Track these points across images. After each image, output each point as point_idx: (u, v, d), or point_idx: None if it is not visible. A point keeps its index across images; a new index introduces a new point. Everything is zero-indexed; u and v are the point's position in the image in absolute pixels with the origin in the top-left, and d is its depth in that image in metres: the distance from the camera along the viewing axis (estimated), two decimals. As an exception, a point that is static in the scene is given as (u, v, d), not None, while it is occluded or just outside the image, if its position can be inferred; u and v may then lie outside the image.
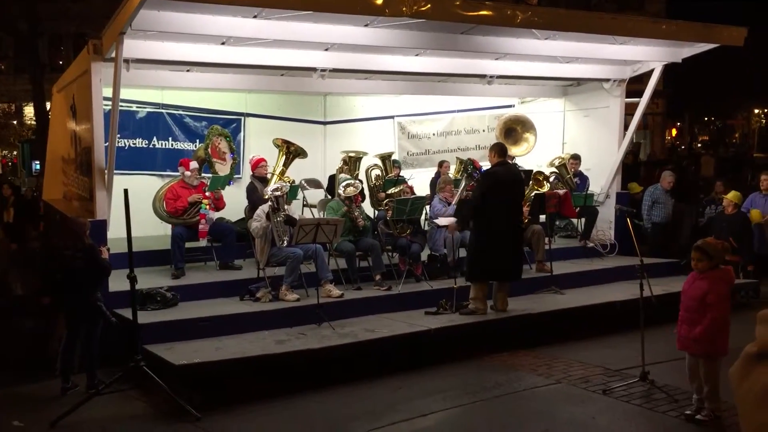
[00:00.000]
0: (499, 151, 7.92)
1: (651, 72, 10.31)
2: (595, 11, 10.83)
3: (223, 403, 5.93)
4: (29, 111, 27.47)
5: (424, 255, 9.07)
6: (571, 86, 11.66)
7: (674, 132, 37.50)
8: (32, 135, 26.64)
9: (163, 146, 10.92)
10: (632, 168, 14.11)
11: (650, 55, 9.95)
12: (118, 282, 6.95)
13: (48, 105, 17.62)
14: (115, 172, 7.77)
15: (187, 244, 8.68)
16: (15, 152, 32.15)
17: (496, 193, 7.64)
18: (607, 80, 10.81)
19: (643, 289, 6.22)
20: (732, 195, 9.98)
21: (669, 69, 10.35)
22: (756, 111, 39.58)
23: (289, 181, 9.21)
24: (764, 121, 40.04)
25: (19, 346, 7.44)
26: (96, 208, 7.66)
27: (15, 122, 29.13)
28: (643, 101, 10.57)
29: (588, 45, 9.20)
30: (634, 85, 11.20)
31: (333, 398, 6.19)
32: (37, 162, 22.98)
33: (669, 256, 10.32)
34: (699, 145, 34.63)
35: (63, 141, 9.64)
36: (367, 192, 10.34)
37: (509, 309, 7.91)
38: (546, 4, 23.35)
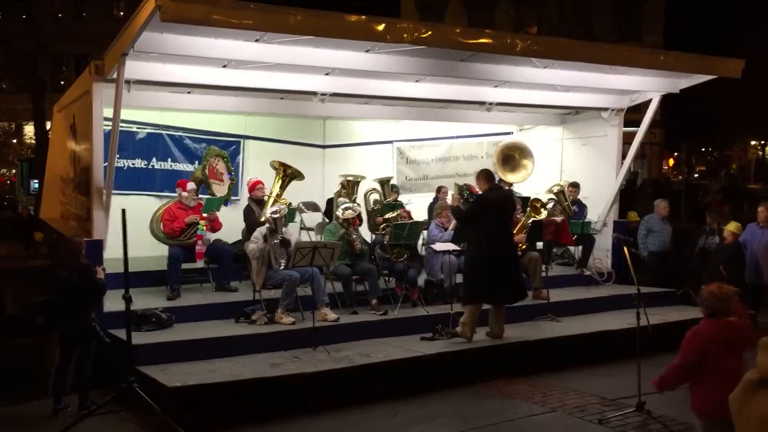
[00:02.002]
0: (486, 177, 7.94)
1: (649, 102, 10.38)
2: (595, 41, 10.93)
3: (216, 426, 5.88)
4: (29, 130, 27.55)
5: (421, 280, 9.05)
6: (569, 114, 11.72)
7: (671, 162, 37.68)
8: (31, 154, 26.68)
9: (162, 167, 10.95)
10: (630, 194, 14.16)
11: (648, 86, 10.03)
12: (113, 302, 6.93)
13: (48, 124, 17.67)
14: (113, 192, 7.78)
15: (184, 266, 8.66)
16: (14, 171, 32.17)
17: (487, 217, 7.65)
18: (606, 109, 10.87)
19: (640, 319, 6.20)
20: (732, 226, 9.98)
21: (667, 99, 10.42)
22: (753, 142, 39.84)
23: (285, 204, 9.22)
24: (761, 152, 40.29)
25: (12, 364, 7.39)
26: (93, 228, 7.65)
27: (15, 141, 29.20)
28: (641, 131, 10.62)
29: (587, 74, 9.27)
30: (633, 115, 11.26)
31: (327, 423, 6.14)
32: (36, 181, 23.00)
33: (667, 285, 10.31)
34: (696, 175, 34.78)
35: (62, 160, 9.66)
36: (365, 216, 10.34)
37: (505, 336, 7.87)
38: (546, 33, 23.59)
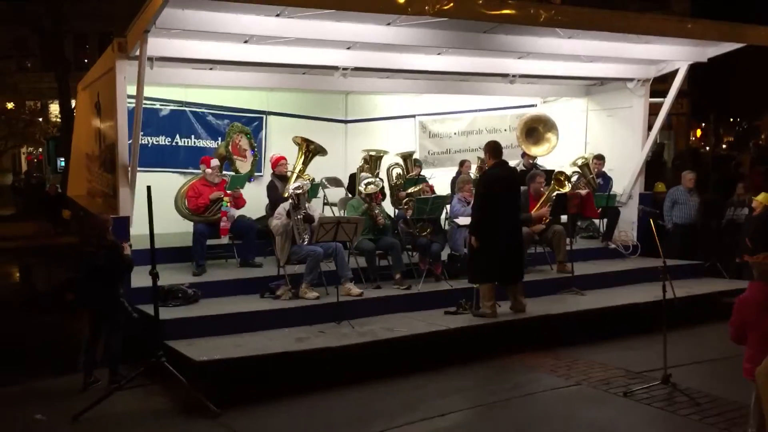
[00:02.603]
0: (492, 151, 7.83)
1: (676, 72, 10.19)
2: (618, 10, 10.74)
3: (242, 400, 5.96)
4: (54, 108, 27.79)
5: (444, 254, 9.04)
6: (594, 86, 11.57)
7: (699, 133, 37.07)
8: (57, 132, 26.95)
9: (186, 144, 11.01)
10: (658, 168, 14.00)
11: (675, 55, 9.84)
12: (140, 278, 7.02)
13: (73, 103, 17.82)
14: (138, 169, 7.84)
15: (209, 242, 8.73)
16: (41, 149, 32.55)
17: (492, 194, 7.59)
18: (631, 80, 10.71)
19: (666, 291, 6.15)
20: (762, 196, 9.83)
21: (694, 69, 10.23)
22: (783, 112, 39.05)
23: (309, 179, 9.24)
24: (791, 122, 39.47)
25: (43, 341, 7.54)
26: (119, 205, 7.74)
27: (41, 119, 29.52)
28: (668, 101, 10.45)
29: (612, 44, 9.12)
30: (659, 85, 11.07)
31: (352, 396, 6.20)
32: (62, 159, 23.26)
33: (693, 257, 10.20)
34: (724, 146, 34.22)
35: (87, 138, 9.75)
36: (387, 191, 10.34)
37: (529, 310, 7.86)
38: (568, 2, 23.19)
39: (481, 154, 11.54)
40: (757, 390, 4.53)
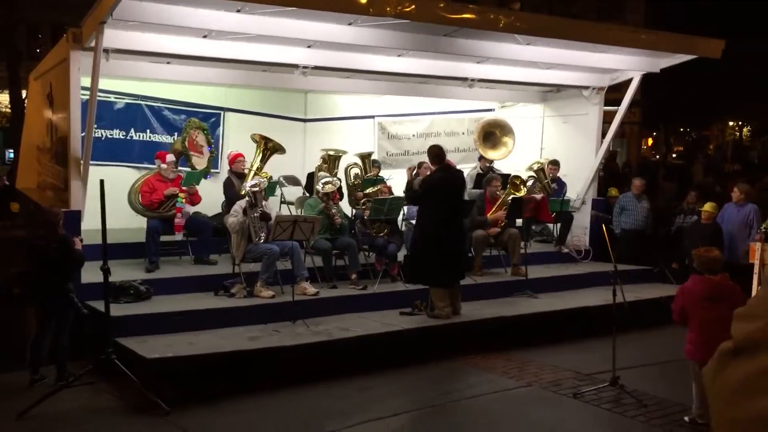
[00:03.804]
0: (435, 156, 7.89)
1: (629, 81, 10.42)
2: (575, 19, 10.95)
3: (194, 399, 5.89)
4: (4, 98, 27.04)
5: (401, 255, 9.07)
6: (550, 92, 11.75)
7: (650, 141, 37.92)
8: (6, 123, 26.21)
9: (141, 138, 10.82)
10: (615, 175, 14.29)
11: (629, 65, 10.06)
12: (91, 274, 6.89)
13: (24, 93, 17.37)
14: (91, 162, 7.69)
15: (163, 238, 8.61)
16: (-12, 140, 31.63)
17: (433, 199, 7.64)
18: (587, 87, 10.91)
19: (616, 295, 6.28)
20: (708, 205, 10.13)
21: (647, 79, 10.47)
22: (731, 123, 40.18)
23: (266, 177, 9.18)
24: (738, 133, 40.66)
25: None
26: (71, 199, 7.58)
27: (-11, 109, 28.70)
28: (621, 110, 10.68)
29: (568, 52, 9.28)
30: (613, 94, 11.31)
31: (306, 396, 6.18)
32: (11, 150, 22.63)
33: (641, 263, 10.44)
34: (674, 155, 35.06)
35: (39, 130, 9.52)
36: (345, 191, 10.33)
37: (483, 312, 7.93)
38: (527, 10, 23.52)
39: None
40: (697, 377, 5.27)
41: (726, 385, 0.90)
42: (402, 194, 9.70)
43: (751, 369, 0.88)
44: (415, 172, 10.99)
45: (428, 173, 10.06)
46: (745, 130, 39.95)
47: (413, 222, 8.80)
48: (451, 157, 11.65)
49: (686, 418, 5.64)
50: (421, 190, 7.82)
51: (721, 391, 0.90)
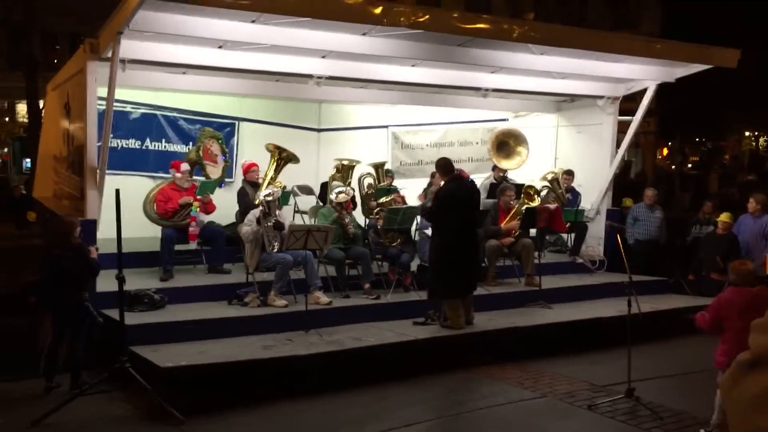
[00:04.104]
0: (443, 168, 7.88)
1: (644, 91, 10.38)
2: (590, 29, 10.92)
3: (207, 408, 5.90)
4: (22, 108, 27.32)
5: (414, 265, 9.07)
6: (564, 102, 11.72)
7: (665, 151, 37.73)
8: (24, 132, 26.50)
9: (156, 148, 10.91)
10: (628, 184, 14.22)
11: (644, 74, 10.02)
12: (106, 282, 6.92)
13: (41, 103, 17.55)
14: (106, 172, 7.75)
15: (177, 247, 8.65)
16: (6, 149, 31.97)
17: (449, 210, 7.62)
18: (601, 97, 10.88)
19: (631, 306, 6.23)
20: (725, 216, 10.05)
21: (662, 88, 10.43)
22: (747, 133, 39.92)
23: (280, 187, 9.21)
24: (754, 143, 40.38)
25: (4, 344, 7.38)
26: (86, 208, 7.64)
27: (7, 119, 28.98)
28: (636, 120, 10.63)
29: (583, 62, 9.26)
30: (628, 104, 11.27)
31: (318, 405, 6.17)
32: (28, 159, 22.86)
33: (653, 273, 10.36)
34: (690, 165, 34.85)
35: (55, 139, 9.61)
36: (358, 200, 10.34)
37: (497, 322, 7.90)
38: (541, 19, 23.52)
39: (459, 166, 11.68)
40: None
41: (744, 396, 0.89)
42: (414, 205, 9.73)
43: None
44: (428, 182, 11.01)
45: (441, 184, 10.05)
46: (761, 140, 39.64)
47: (427, 232, 8.79)
48: (464, 167, 11.65)
49: (702, 431, 5.58)
50: (434, 205, 7.80)
51: (740, 402, 0.90)
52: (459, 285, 7.65)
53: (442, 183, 7.99)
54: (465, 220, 7.70)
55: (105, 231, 7.43)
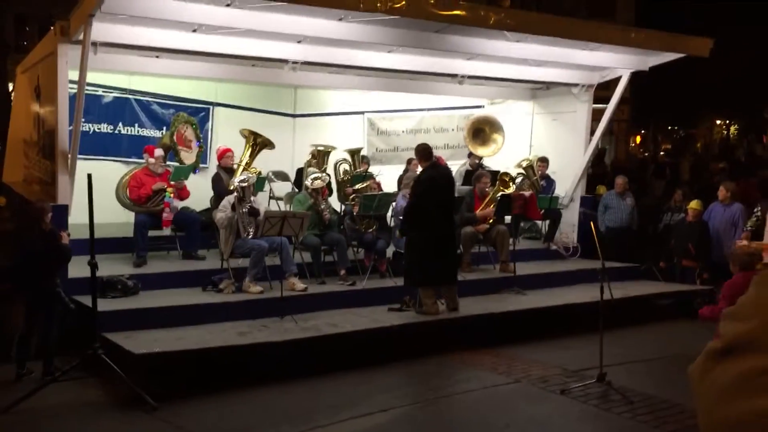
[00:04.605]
0: (424, 154, 7.91)
1: (618, 79, 10.46)
2: (566, 17, 10.96)
3: (181, 394, 5.88)
4: (-10, 91, 26.77)
5: (390, 251, 9.08)
6: (540, 90, 11.77)
7: (638, 139, 38.10)
8: (-7, 116, 25.93)
9: (129, 132, 10.77)
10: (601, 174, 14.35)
11: (618, 62, 10.10)
12: (78, 268, 6.84)
13: (11, 86, 17.22)
14: (78, 156, 7.64)
15: (151, 233, 8.57)
16: (-26, 133, 31.32)
17: (430, 196, 7.64)
18: (576, 85, 10.95)
19: (603, 292, 6.31)
20: (694, 203, 10.20)
21: (636, 77, 10.52)
22: (718, 122, 40.43)
23: (255, 173, 9.15)
24: (725, 131, 40.91)
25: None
26: (58, 193, 7.53)
27: (-25, 102, 28.41)
28: (610, 107, 10.72)
29: (558, 49, 9.31)
30: (602, 92, 11.35)
31: (294, 392, 6.18)
32: (-3, 144, 22.43)
33: (626, 260, 10.49)
34: (662, 153, 35.24)
35: (25, 123, 9.45)
36: (334, 186, 10.32)
37: (471, 308, 7.96)
38: (517, 7, 23.54)
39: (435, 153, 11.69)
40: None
41: (715, 385, 0.91)
42: (390, 191, 9.73)
43: (740, 369, 0.89)
44: (404, 169, 11.03)
45: (417, 171, 10.07)
46: (732, 128, 40.21)
47: (400, 218, 8.80)
48: (440, 154, 11.66)
49: None
50: (417, 192, 7.79)
51: (710, 391, 0.91)
52: (436, 272, 7.68)
53: (420, 169, 8.00)
54: (443, 207, 7.72)
55: (77, 216, 7.33)
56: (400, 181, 10.85)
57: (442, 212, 7.69)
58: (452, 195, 8.03)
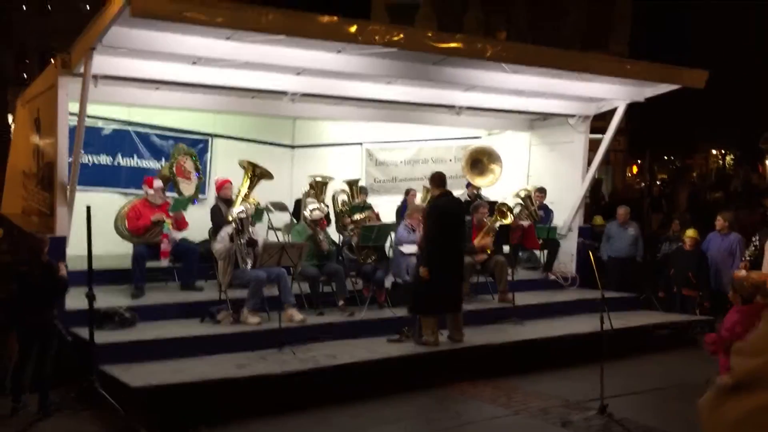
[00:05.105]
0: (438, 181, 7.94)
1: (615, 110, 10.54)
2: (561, 48, 11.08)
3: (179, 428, 5.81)
4: (-10, 123, 26.92)
5: (388, 282, 9.06)
6: (537, 120, 11.85)
7: (635, 169, 38.27)
8: (-8, 147, 26.04)
9: (128, 164, 10.81)
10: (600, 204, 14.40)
11: (615, 94, 10.19)
12: (75, 300, 6.81)
13: (10, 118, 17.32)
14: (77, 188, 7.65)
15: (148, 264, 8.54)
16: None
17: (441, 225, 7.65)
18: (573, 116, 11.02)
19: (603, 323, 6.28)
20: (691, 231, 10.23)
21: (632, 107, 10.60)
22: (714, 152, 40.65)
23: (254, 203, 9.16)
24: (721, 161, 41.11)
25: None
26: (56, 225, 7.52)
27: (-26, 134, 28.52)
28: (607, 138, 10.78)
29: (555, 81, 9.38)
30: (599, 122, 11.42)
31: (292, 424, 6.12)
32: (-4, 175, 22.49)
33: (627, 290, 10.47)
34: (658, 183, 35.40)
35: (25, 155, 9.47)
36: (333, 217, 10.33)
37: (468, 339, 7.91)
38: (513, 38, 23.81)
39: (427, 184, 11.71)
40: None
41: (725, 419, 0.91)
42: (388, 222, 9.73)
43: (750, 405, 0.89)
44: (402, 200, 11.05)
45: (415, 201, 10.11)
46: (728, 158, 40.42)
47: (401, 248, 8.80)
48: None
49: None
50: (433, 218, 7.78)
51: (720, 425, 0.91)
52: (439, 302, 7.65)
53: (429, 197, 8.00)
54: (451, 236, 7.71)
55: (75, 247, 7.32)
56: (399, 211, 10.87)
57: (450, 241, 7.68)
58: (460, 223, 8.00)
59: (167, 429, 5.72)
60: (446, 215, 7.70)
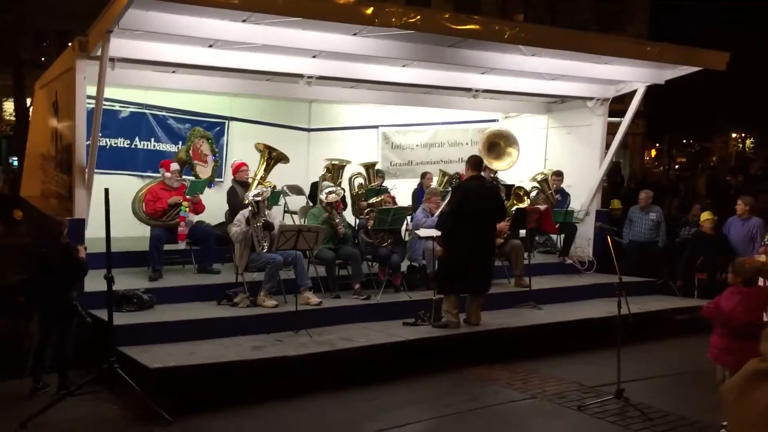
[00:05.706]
0: (473, 164, 7.91)
1: (634, 92, 10.42)
2: (579, 30, 10.96)
3: (196, 409, 5.86)
4: (8, 106, 27.08)
5: (404, 265, 9.06)
6: (555, 103, 11.75)
7: (653, 153, 37.92)
8: (11, 131, 26.27)
9: (145, 147, 10.85)
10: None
11: (634, 76, 10.06)
12: (94, 282, 6.86)
13: (28, 101, 17.42)
14: (95, 171, 7.70)
15: (166, 247, 8.60)
16: (-8, 147, 31.67)
17: (465, 206, 7.63)
18: (591, 99, 10.91)
19: (621, 307, 6.25)
20: (707, 214, 10.15)
21: (651, 90, 10.47)
22: (734, 135, 40.17)
23: (270, 187, 9.18)
24: (741, 145, 40.62)
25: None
26: (75, 207, 7.59)
27: (-7, 117, 28.74)
28: (625, 121, 10.67)
29: (573, 63, 9.29)
30: (617, 105, 11.30)
31: (309, 407, 6.15)
32: (15, 158, 22.68)
33: (646, 275, 10.40)
34: (677, 167, 35.03)
35: (43, 138, 9.54)
36: (349, 200, 10.33)
37: (485, 322, 7.92)
38: (530, 20, 23.56)
39: (443, 167, 11.68)
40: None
41: (754, 406, 0.89)
42: (404, 205, 9.71)
43: None
44: (418, 183, 11.02)
45: (432, 184, 10.08)
46: (748, 141, 39.92)
47: (417, 232, 8.78)
48: (454, 167, 11.67)
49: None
50: (458, 196, 7.77)
51: (750, 411, 0.89)
52: (463, 282, 7.66)
53: (434, 183, 7.98)
54: (479, 218, 7.66)
55: (93, 230, 7.37)
56: (415, 195, 10.85)
57: (473, 223, 7.63)
58: (489, 207, 7.86)
59: (185, 409, 5.77)
60: (470, 197, 7.65)
